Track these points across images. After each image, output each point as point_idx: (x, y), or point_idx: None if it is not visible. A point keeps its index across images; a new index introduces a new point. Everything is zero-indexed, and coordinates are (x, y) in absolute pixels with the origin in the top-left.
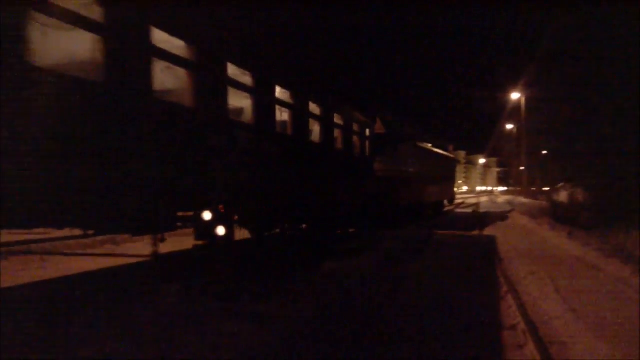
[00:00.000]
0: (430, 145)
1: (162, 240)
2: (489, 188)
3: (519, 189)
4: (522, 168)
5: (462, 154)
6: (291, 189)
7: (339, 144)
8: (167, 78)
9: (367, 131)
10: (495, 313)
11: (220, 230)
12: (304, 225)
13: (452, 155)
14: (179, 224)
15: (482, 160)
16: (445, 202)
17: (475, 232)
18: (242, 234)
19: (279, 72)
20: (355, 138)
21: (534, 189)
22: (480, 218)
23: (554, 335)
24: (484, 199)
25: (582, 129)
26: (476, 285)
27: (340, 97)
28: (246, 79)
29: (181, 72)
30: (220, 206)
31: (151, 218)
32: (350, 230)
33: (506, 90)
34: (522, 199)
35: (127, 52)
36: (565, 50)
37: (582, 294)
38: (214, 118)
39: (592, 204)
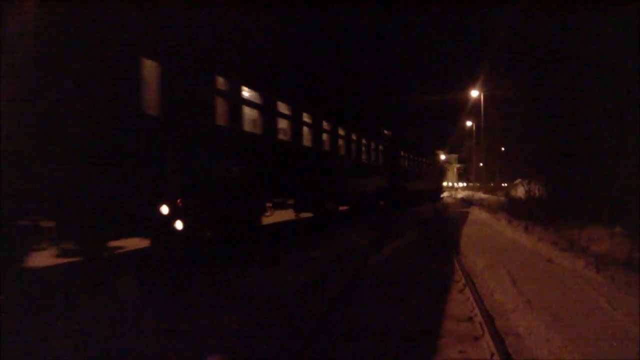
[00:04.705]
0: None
1: None
2: (450, 184)
3: (478, 184)
4: (481, 164)
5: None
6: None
7: (427, 170)
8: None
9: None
10: (453, 304)
11: (179, 225)
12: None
13: (444, 165)
14: None
15: (442, 157)
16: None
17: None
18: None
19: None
20: (432, 167)
21: (492, 184)
22: (440, 214)
23: (510, 326)
24: (445, 194)
25: (539, 126)
26: (436, 277)
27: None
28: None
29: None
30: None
31: None
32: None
33: (466, 87)
34: (481, 195)
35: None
36: (522, 50)
37: (538, 286)
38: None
39: (548, 200)
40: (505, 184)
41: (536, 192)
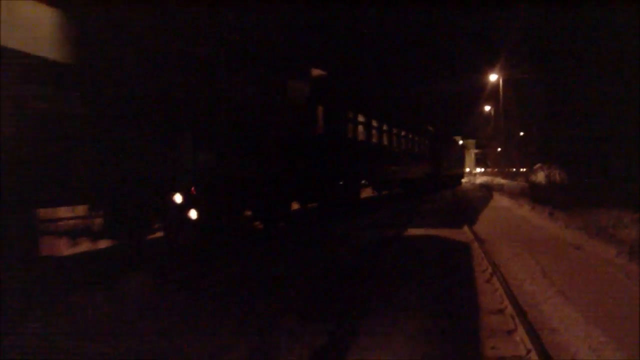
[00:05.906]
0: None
1: None
2: (468, 169)
3: (496, 170)
4: (499, 149)
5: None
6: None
7: (454, 157)
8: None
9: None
10: (481, 296)
11: (193, 214)
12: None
13: (463, 151)
14: None
15: (460, 142)
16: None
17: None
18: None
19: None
20: (456, 154)
21: (513, 169)
22: (462, 200)
23: (543, 319)
24: (464, 180)
25: (559, 112)
26: (458, 267)
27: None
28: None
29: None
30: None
31: None
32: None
33: (485, 71)
34: (501, 180)
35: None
36: (542, 37)
37: (570, 276)
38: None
39: (569, 184)
40: (524, 169)
41: (557, 177)
